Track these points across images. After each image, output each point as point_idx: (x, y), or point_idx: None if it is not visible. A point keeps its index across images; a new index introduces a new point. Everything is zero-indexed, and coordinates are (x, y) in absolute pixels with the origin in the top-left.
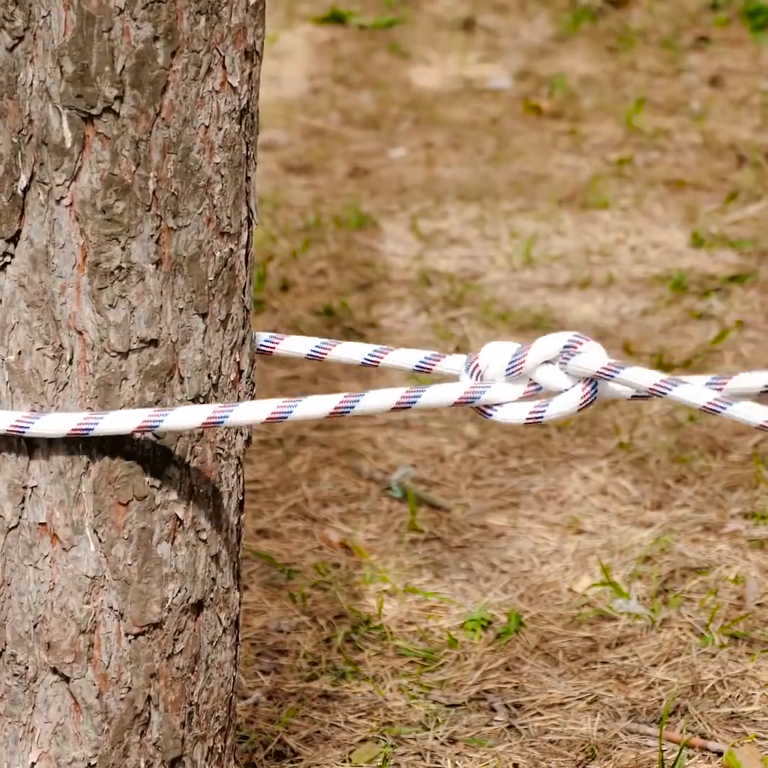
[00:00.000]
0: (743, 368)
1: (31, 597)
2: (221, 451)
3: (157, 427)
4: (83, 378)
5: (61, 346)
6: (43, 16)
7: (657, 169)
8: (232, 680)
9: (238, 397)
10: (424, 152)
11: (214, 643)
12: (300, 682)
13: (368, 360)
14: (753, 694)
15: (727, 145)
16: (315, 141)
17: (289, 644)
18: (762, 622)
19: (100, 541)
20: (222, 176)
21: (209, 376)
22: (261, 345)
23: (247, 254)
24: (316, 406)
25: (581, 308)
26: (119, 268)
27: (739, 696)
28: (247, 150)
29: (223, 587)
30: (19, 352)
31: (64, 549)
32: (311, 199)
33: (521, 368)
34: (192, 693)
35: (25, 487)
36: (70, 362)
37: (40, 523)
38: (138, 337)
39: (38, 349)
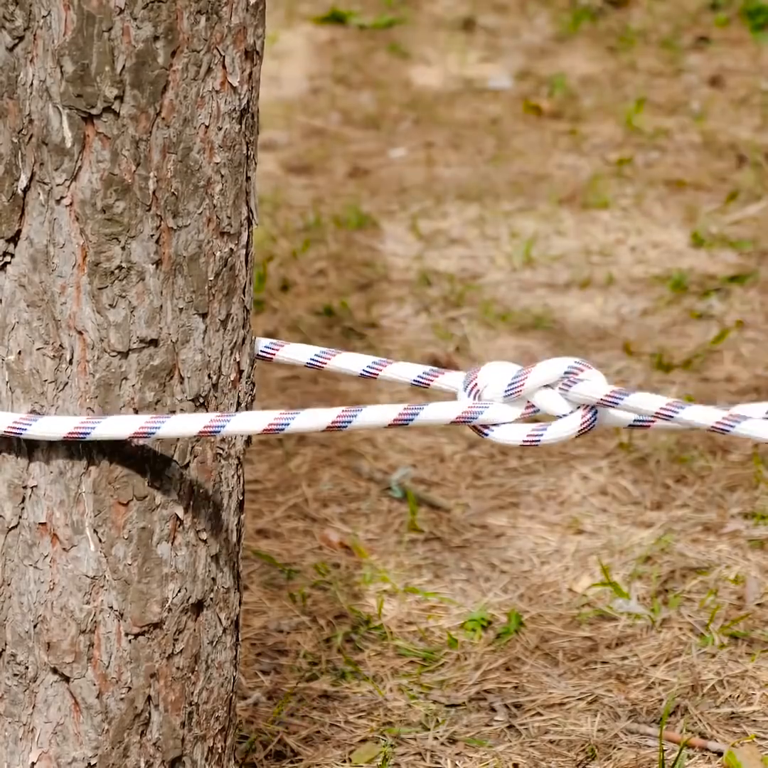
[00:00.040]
0: (743, 368)
1: (31, 597)
2: (221, 451)
3: (153, 433)
4: (83, 378)
5: (61, 346)
6: (44, 16)
7: (657, 169)
8: (232, 680)
9: (238, 397)
10: (424, 152)
11: (214, 643)
12: (300, 682)
13: (367, 371)
14: (753, 694)
15: (727, 145)
16: (315, 141)
17: (289, 644)
18: (762, 622)
19: (100, 541)
20: (222, 176)
21: (209, 376)
22: (261, 351)
23: (247, 254)
24: (313, 419)
25: (581, 308)
26: (119, 267)
27: (739, 696)
28: (247, 150)
29: (223, 587)
30: (19, 352)
31: (64, 549)
32: (311, 199)
33: (520, 390)
34: (192, 693)
35: (25, 487)
36: (70, 362)
37: (40, 523)
38: (138, 337)
39: (38, 349)
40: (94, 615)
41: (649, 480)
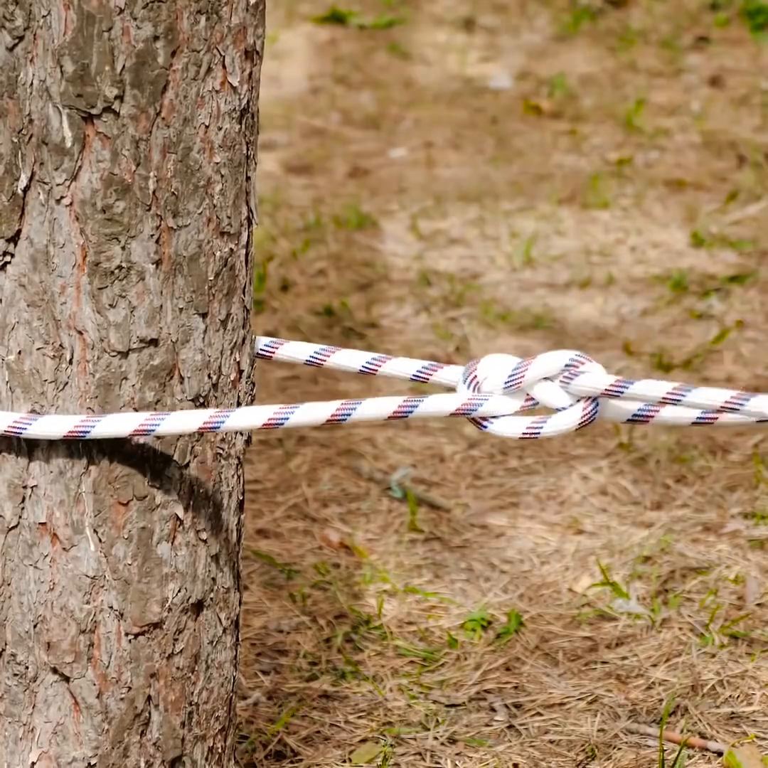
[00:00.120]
0: (743, 368)
1: (31, 597)
2: (221, 451)
3: (153, 431)
4: (83, 378)
5: (61, 345)
6: (44, 16)
7: (657, 169)
8: (232, 680)
9: (238, 397)
10: (424, 152)
11: (214, 643)
12: (300, 682)
13: (366, 367)
14: (753, 694)
15: (727, 145)
16: (315, 141)
17: (289, 644)
18: (762, 622)
19: (100, 540)
20: (222, 176)
21: (209, 376)
22: (260, 350)
23: (247, 254)
24: (312, 412)
25: (581, 308)
26: (119, 267)
27: (739, 696)
28: (247, 150)
29: (223, 587)
30: (19, 352)
31: (64, 549)
32: (311, 199)
33: (520, 382)
34: (192, 693)
35: (25, 487)
36: (70, 362)
37: (40, 523)
38: (138, 337)
39: (38, 349)
40: (94, 615)
41: (649, 480)
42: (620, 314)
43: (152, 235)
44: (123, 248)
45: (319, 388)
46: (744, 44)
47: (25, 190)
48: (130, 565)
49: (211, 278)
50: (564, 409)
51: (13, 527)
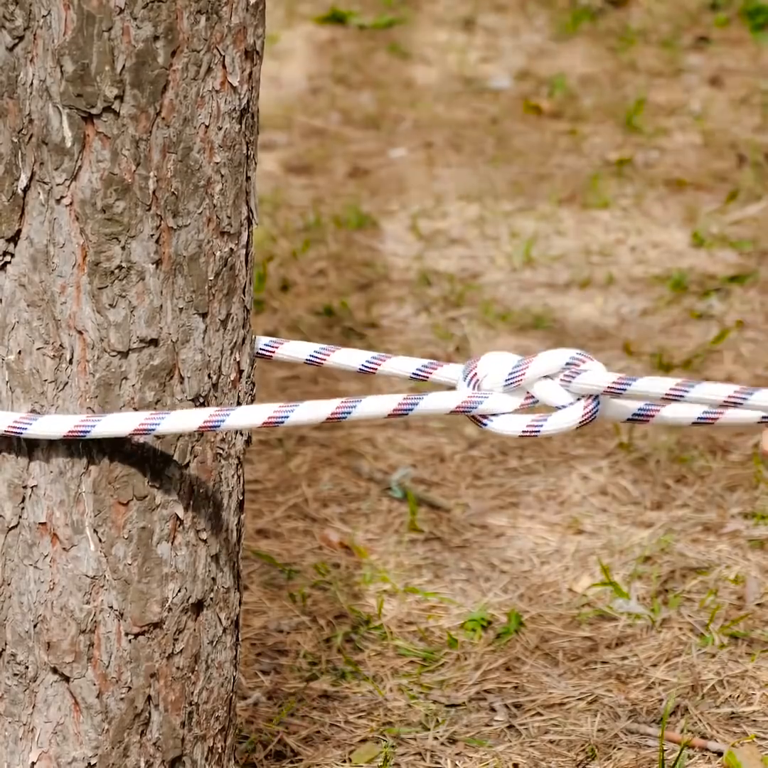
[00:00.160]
0: (743, 368)
1: (31, 597)
2: (221, 451)
3: (153, 430)
4: (83, 378)
5: (61, 345)
6: (43, 16)
7: (657, 169)
8: (232, 680)
9: (238, 397)
10: (424, 152)
11: (214, 643)
12: (300, 682)
13: (366, 366)
14: (753, 694)
15: (727, 145)
16: (315, 141)
17: (289, 644)
18: (762, 622)
19: (100, 540)
20: (222, 176)
21: (209, 376)
22: (260, 349)
23: (247, 254)
24: (313, 411)
25: (581, 308)
26: (119, 267)
27: (739, 696)
28: (247, 150)
29: (223, 587)
30: (19, 352)
31: (64, 549)
32: (311, 199)
33: (521, 380)
34: (192, 693)
35: (25, 487)
36: (70, 362)
37: (40, 523)
38: (138, 337)
39: (38, 349)
40: (94, 615)
41: (649, 480)
42: (620, 314)
43: (152, 235)
44: (123, 248)
45: (319, 388)
46: (744, 44)
47: (25, 190)
48: (130, 565)
49: (211, 278)
50: (564, 407)
51: (13, 527)
